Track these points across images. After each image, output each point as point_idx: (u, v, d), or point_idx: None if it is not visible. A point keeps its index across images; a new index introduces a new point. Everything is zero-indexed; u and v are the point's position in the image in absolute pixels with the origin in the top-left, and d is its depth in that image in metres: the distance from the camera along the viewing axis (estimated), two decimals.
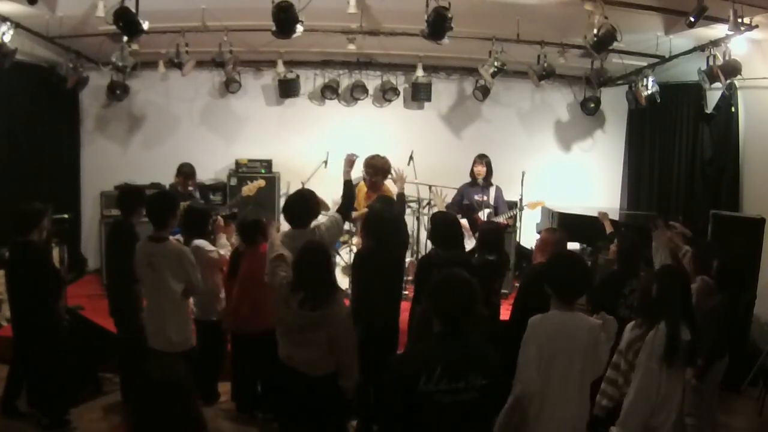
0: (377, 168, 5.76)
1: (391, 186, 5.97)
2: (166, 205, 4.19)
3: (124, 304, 4.57)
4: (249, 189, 6.14)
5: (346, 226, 5.45)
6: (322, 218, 4.39)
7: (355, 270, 4.52)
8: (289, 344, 3.39)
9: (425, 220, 7.27)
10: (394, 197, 5.26)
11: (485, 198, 6.66)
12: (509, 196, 7.06)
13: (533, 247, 4.79)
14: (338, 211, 4.47)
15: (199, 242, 4.53)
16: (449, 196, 6.56)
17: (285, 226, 4.34)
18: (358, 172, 5.99)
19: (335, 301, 3.32)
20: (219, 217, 4.87)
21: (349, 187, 4.69)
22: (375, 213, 4.50)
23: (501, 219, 6.55)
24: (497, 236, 4.69)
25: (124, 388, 4.78)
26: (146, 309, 4.21)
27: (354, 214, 5.50)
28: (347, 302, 4.75)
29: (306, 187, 5.39)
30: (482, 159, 6.71)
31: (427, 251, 5.29)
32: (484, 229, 4.78)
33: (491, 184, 6.73)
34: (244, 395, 4.75)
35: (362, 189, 6.15)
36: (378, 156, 6.06)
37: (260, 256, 4.29)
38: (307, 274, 3.30)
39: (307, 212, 4.16)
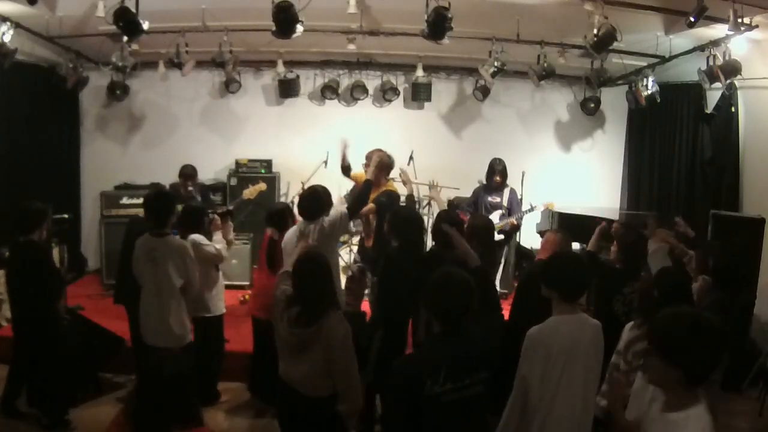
0: (371, 160, 5.70)
1: (396, 184, 5.96)
2: (165, 204, 4.23)
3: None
4: (250, 192, 6.15)
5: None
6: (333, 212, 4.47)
7: (383, 270, 4.46)
8: (286, 362, 3.11)
9: (425, 220, 7.26)
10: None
11: (498, 200, 6.68)
12: None
13: (533, 248, 4.77)
14: (348, 208, 4.47)
15: (196, 237, 4.56)
16: (450, 195, 6.56)
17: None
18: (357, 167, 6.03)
19: (332, 318, 2.97)
20: (215, 216, 4.89)
21: (367, 187, 4.65)
22: (402, 213, 4.49)
23: (511, 220, 6.56)
24: (487, 230, 4.63)
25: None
26: (143, 305, 4.18)
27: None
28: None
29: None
30: (500, 165, 6.64)
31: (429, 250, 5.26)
32: (473, 224, 4.73)
33: (506, 186, 6.74)
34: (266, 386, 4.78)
35: (361, 177, 6.04)
36: (376, 149, 5.94)
37: None
38: (305, 284, 3.01)
39: (316, 207, 4.31)
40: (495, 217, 6.60)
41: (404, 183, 5.27)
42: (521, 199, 7.04)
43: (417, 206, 7.11)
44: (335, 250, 4.61)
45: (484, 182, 6.76)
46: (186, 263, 4.08)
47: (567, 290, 2.90)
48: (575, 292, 2.93)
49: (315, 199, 4.39)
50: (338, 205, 4.78)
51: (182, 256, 4.07)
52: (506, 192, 6.71)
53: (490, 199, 6.68)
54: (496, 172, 6.60)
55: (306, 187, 5.57)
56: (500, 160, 6.69)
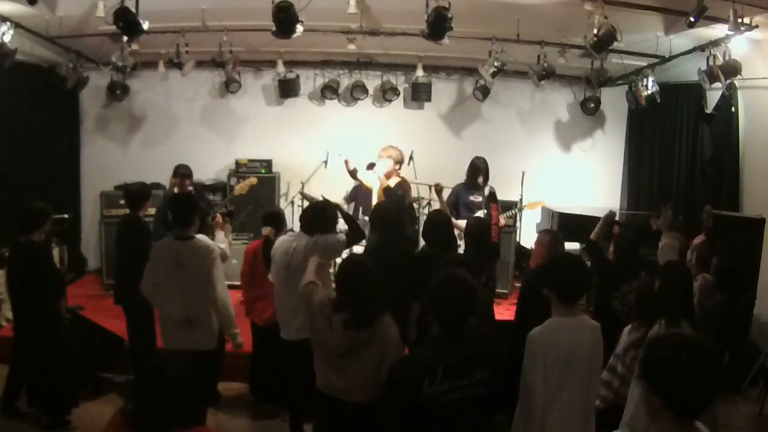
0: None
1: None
2: (191, 205, 4.23)
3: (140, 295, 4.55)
4: (241, 187, 6.17)
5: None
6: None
7: None
8: (330, 370, 3.03)
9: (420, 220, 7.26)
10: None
11: (480, 199, 6.59)
12: (509, 196, 7.06)
13: (533, 248, 4.76)
14: (347, 235, 4.39)
15: (199, 237, 4.55)
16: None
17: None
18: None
19: (385, 320, 2.99)
20: (218, 215, 4.91)
21: (350, 219, 4.57)
22: (379, 208, 4.61)
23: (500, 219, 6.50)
24: (480, 232, 4.62)
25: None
26: (170, 311, 4.06)
27: None
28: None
29: (318, 195, 5.30)
30: (483, 164, 6.40)
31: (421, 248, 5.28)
32: (468, 225, 4.76)
33: (485, 185, 6.66)
34: (263, 388, 4.82)
35: (369, 185, 6.10)
36: (387, 147, 6.06)
37: None
38: (352, 289, 3.01)
39: (315, 222, 4.18)
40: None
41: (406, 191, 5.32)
42: (521, 199, 7.03)
43: (417, 206, 7.12)
44: (327, 274, 4.43)
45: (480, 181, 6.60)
46: (215, 265, 4.04)
47: (564, 292, 2.89)
48: (573, 293, 2.92)
49: (312, 214, 4.24)
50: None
51: (208, 259, 4.03)
52: (486, 191, 6.57)
53: (471, 198, 6.43)
54: (480, 171, 6.34)
55: (323, 200, 5.58)
56: (483, 159, 6.43)
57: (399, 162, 5.97)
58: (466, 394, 2.39)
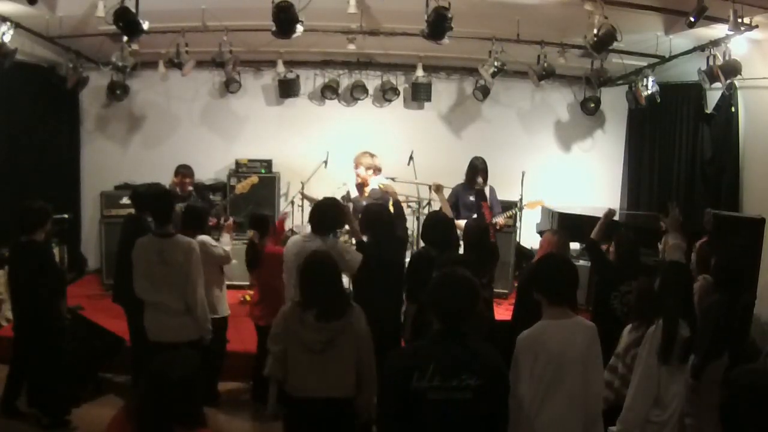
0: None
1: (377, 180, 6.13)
2: (168, 200, 4.31)
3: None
4: (242, 186, 6.19)
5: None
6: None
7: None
8: (308, 370, 3.08)
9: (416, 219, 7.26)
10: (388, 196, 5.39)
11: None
12: (509, 196, 7.05)
13: (533, 248, 4.78)
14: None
15: (204, 238, 4.58)
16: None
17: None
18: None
19: (356, 310, 3.13)
20: (231, 218, 4.98)
21: (362, 245, 4.65)
22: (369, 209, 4.65)
23: (500, 219, 6.50)
24: (479, 234, 4.64)
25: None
26: (161, 307, 4.13)
27: None
28: None
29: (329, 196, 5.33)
30: (482, 164, 6.46)
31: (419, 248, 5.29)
32: (467, 227, 4.77)
33: (485, 185, 6.66)
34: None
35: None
36: (361, 153, 6.26)
37: (270, 253, 4.66)
38: (317, 286, 3.10)
39: (325, 223, 4.24)
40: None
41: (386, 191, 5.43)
42: (521, 199, 7.03)
43: (417, 206, 7.12)
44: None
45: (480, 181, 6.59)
46: (195, 263, 4.10)
47: (551, 293, 2.87)
48: (559, 295, 2.88)
49: (318, 213, 4.28)
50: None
51: (193, 255, 4.10)
52: (486, 191, 6.52)
53: (471, 198, 6.44)
54: (479, 172, 6.37)
55: (305, 187, 5.64)
56: (482, 160, 6.47)
57: (371, 168, 6.06)
58: (454, 397, 2.37)
